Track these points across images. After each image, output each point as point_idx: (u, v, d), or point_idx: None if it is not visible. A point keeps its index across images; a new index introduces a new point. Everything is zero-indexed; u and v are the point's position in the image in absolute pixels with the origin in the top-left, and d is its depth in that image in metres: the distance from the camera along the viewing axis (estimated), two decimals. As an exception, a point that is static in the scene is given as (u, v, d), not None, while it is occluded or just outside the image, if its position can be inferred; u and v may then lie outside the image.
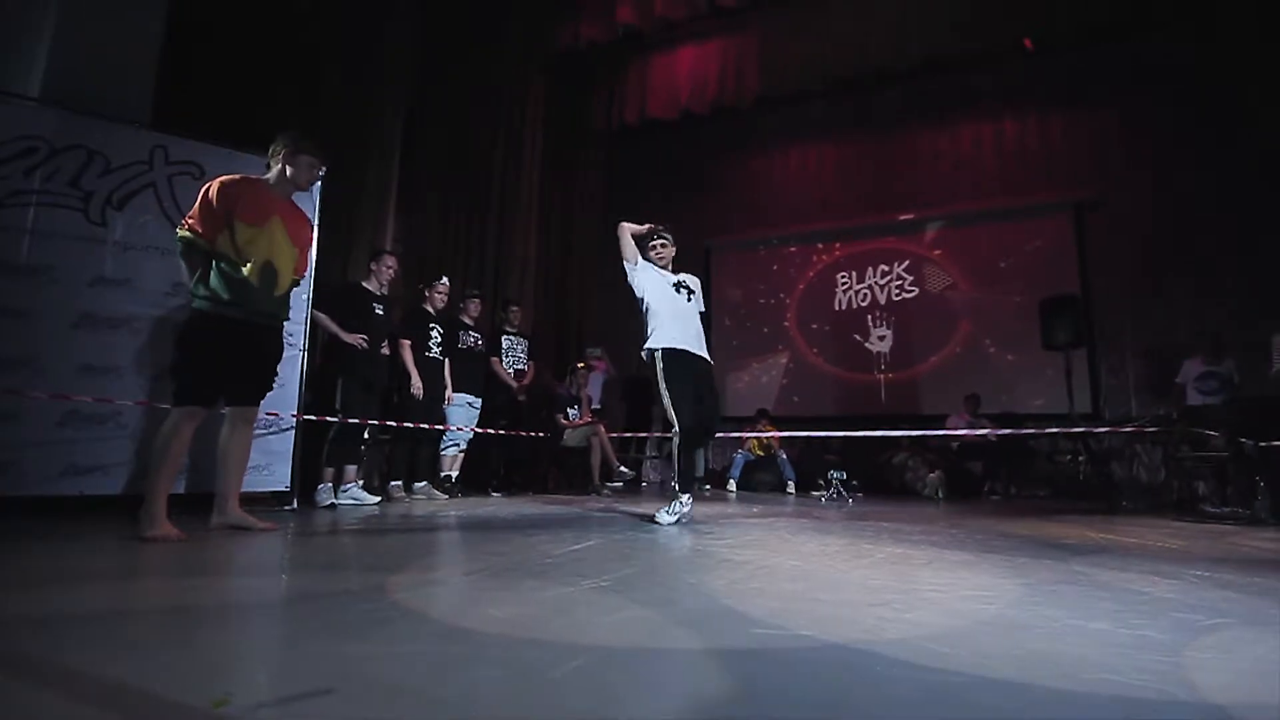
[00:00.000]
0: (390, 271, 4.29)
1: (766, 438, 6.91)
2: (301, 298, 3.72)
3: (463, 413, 4.93)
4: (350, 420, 3.91)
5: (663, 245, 3.60)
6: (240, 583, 1.81)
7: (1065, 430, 5.49)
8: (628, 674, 1.03)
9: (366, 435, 4.23)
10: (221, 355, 2.52)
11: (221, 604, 1.53)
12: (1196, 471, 4.72)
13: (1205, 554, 2.52)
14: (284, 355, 2.82)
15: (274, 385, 2.77)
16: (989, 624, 1.38)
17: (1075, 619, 1.43)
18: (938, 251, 7.85)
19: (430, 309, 4.80)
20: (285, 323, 2.80)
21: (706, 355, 3.45)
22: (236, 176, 2.60)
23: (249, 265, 2.53)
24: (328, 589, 1.65)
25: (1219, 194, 6.52)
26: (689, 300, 3.51)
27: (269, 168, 2.72)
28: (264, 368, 2.71)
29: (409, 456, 4.69)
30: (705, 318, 3.66)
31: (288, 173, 2.70)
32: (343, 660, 1.07)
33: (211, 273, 2.50)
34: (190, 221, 2.50)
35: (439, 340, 4.78)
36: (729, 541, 2.69)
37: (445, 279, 4.95)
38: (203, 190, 2.52)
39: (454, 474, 4.92)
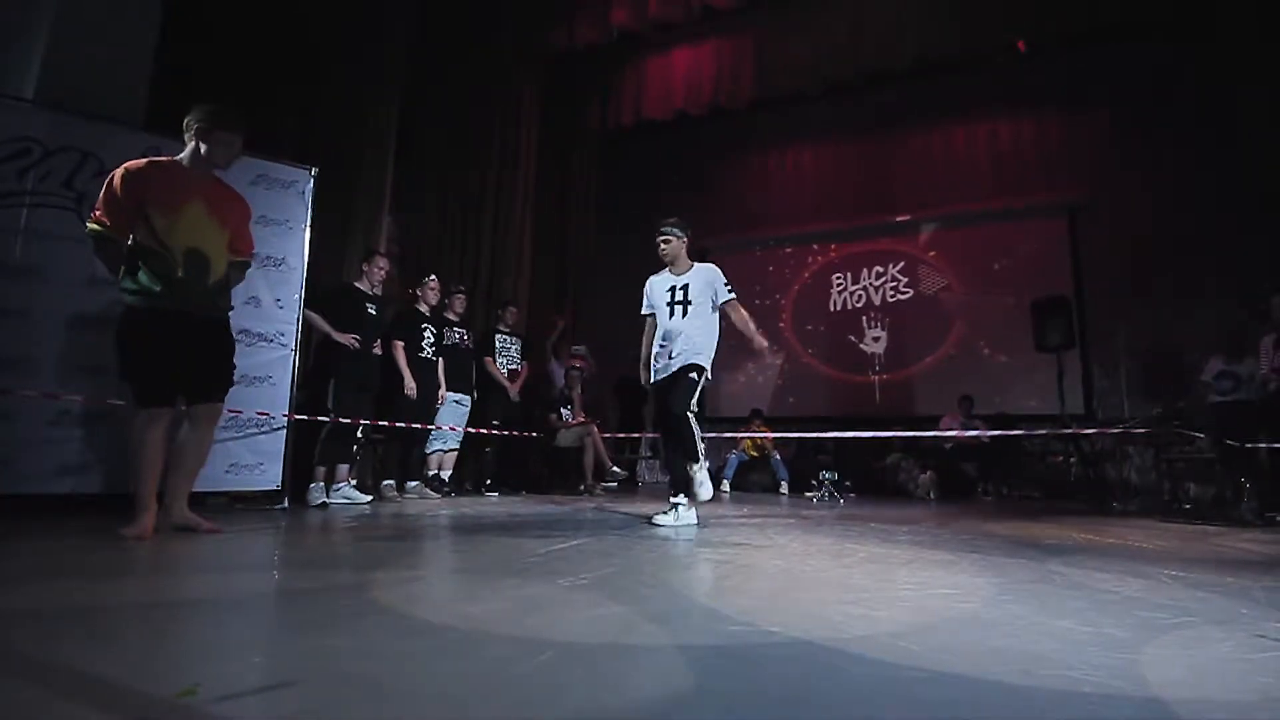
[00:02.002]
0: (382, 272, 4.31)
1: (760, 438, 6.93)
2: (294, 298, 3.75)
3: (449, 411, 4.92)
4: (342, 420, 3.93)
5: (664, 242, 3.38)
6: (223, 579, 1.84)
7: (1057, 431, 5.50)
8: (591, 670, 1.05)
9: (360, 435, 4.25)
10: (165, 351, 2.39)
11: (202, 600, 1.55)
12: (1185, 473, 4.75)
13: (1184, 554, 2.54)
14: (235, 346, 2.65)
15: (233, 380, 2.63)
16: (956, 621, 1.40)
17: (1041, 617, 1.45)
18: (932, 253, 7.87)
19: (424, 309, 4.82)
20: (230, 312, 2.64)
21: (683, 362, 3.24)
22: (143, 161, 2.41)
23: (173, 254, 2.37)
24: (310, 586, 1.68)
25: (1212, 196, 6.53)
26: (683, 313, 3.30)
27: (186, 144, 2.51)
28: (214, 362, 2.55)
29: (401, 456, 4.72)
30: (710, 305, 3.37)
31: (202, 150, 2.47)
32: (311, 654, 1.10)
33: (139, 267, 2.36)
34: (98, 214, 2.32)
35: (432, 340, 4.79)
36: (715, 541, 2.71)
37: (434, 276, 4.94)
38: (107, 179, 2.35)
39: (446, 473, 4.94)
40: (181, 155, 2.51)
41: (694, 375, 3.20)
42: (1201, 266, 6.51)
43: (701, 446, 3.20)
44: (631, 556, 2.23)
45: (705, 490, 3.19)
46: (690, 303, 3.31)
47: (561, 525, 3.15)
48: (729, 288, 3.34)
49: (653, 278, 3.48)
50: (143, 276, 2.36)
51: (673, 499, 3.23)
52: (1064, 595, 1.70)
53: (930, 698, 0.96)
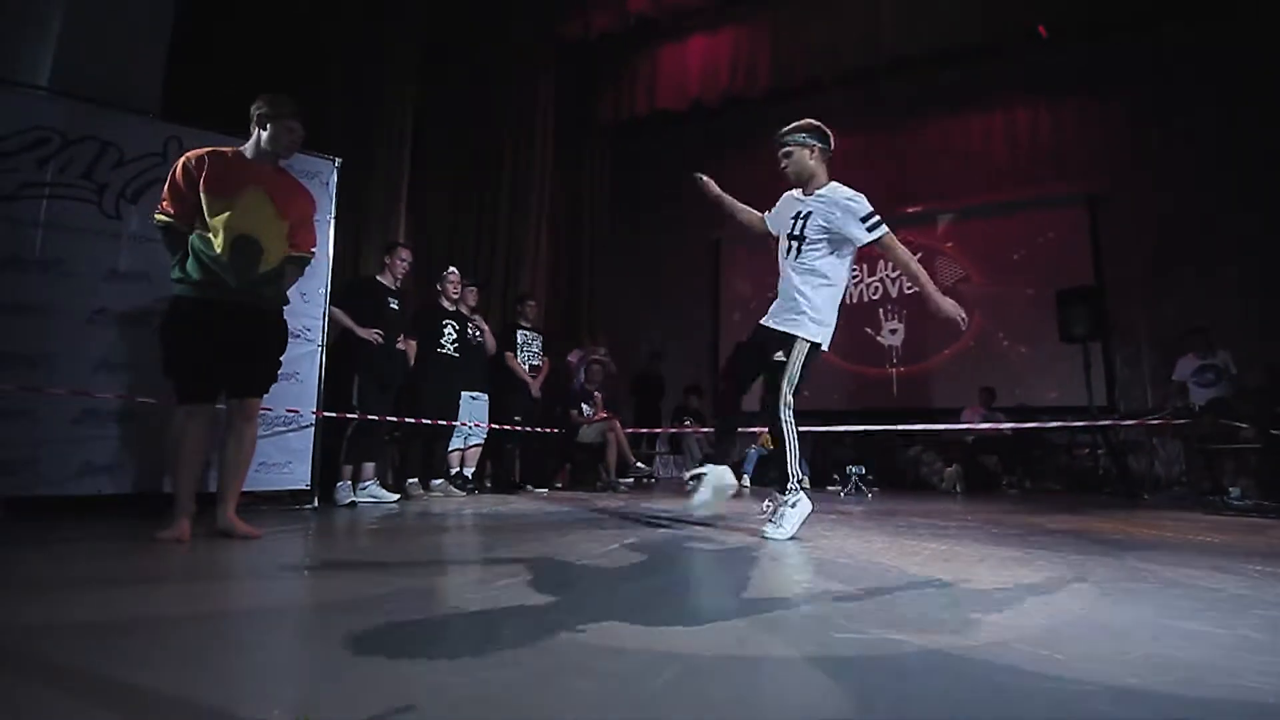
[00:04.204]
0: (404, 265, 4.21)
1: (780, 432, 6.84)
2: (319, 292, 3.64)
3: (466, 407, 4.78)
4: (369, 417, 3.84)
5: (784, 156, 2.59)
6: (282, 585, 1.75)
7: (1091, 423, 5.43)
8: (729, 685, 0.97)
9: (388, 434, 4.15)
10: (207, 343, 2.31)
11: (269, 608, 1.46)
12: (1221, 464, 4.68)
13: (1255, 548, 2.47)
14: (286, 342, 2.56)
15: (276, 375, 2.51)
16: (1080, 625, 1.32)
17: (1165, 619, 1.37)
18: (950, 244, 7.78)
19: (446, 304, 4.70)
20: (285, 306, 2.56)
21: (775, 326, 2.55)
22: (205, 150, 2.38)
23: (222, 240, 2.30)
24: (376, 592, 1.59)
25: (1233, 185, 6.46)
26: (794, 252, 2.54)
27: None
28: (255, 353, 2.44)
29: (425, 453, 4.62)
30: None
31: (264, 138, 2.43)
32: (416, 672, 1.01)
33: (188, 254, 2.31)
34: (164, 204, 2.32)
35: (454, 337, 4.66)
36: (769, 538, 2.63)
37: (453, 269, 4.83)
38: (171, 168, 2.35)
39: (469, 470, 4.85)
40: (244, 146, 2.46)
41: (780, 357, 2.47)
42: (1223, 255, 6.44)
43: (795, 457, 2.47)
44: (695, 557, 2.15)
45: (786, 524, 2.45)
46: (804, 239, 2.50)
47: (603, 524, 3.06)
48: (871, 221, 2.43)
49: (789, 193, 2.68)
50: (190, 264, 2.30)
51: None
52: (1169, 595, 1.61)
53: (1119, 716, 0.87)
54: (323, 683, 0.98)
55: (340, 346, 4.03)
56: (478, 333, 4.92)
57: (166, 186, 2.34)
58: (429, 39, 5.94)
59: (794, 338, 2.50)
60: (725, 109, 7.80)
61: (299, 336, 3.50)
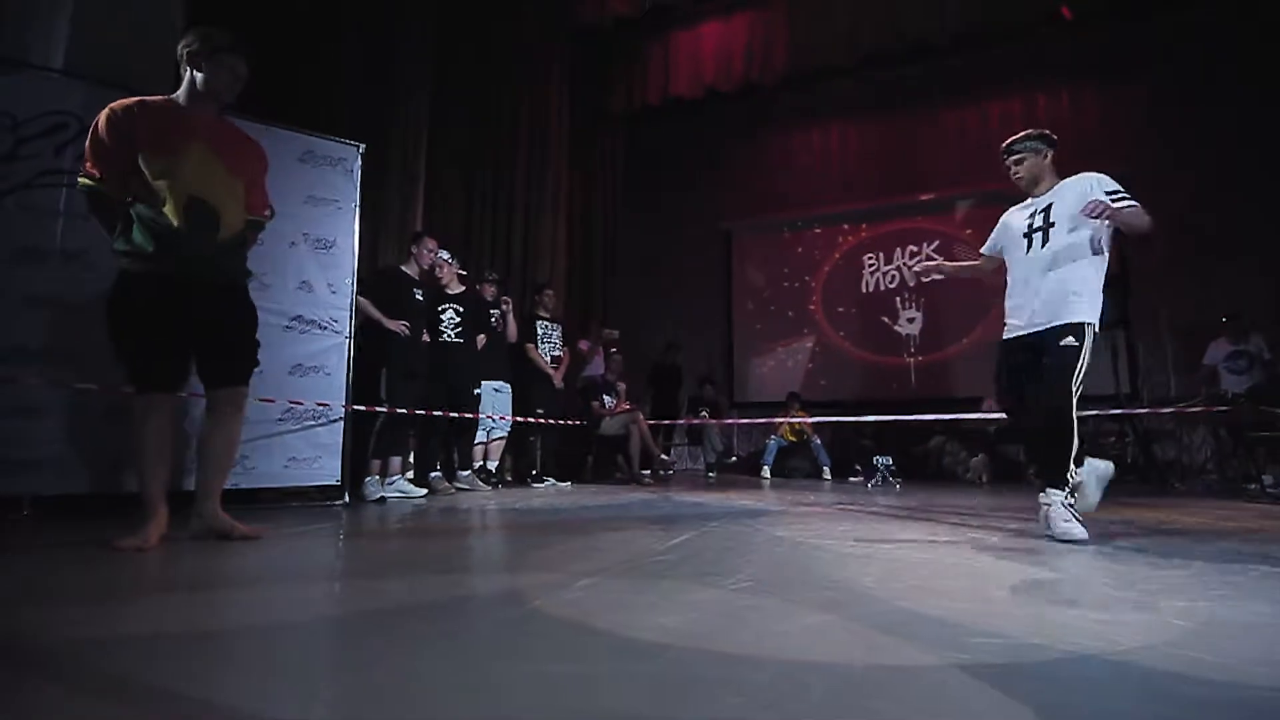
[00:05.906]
0: (431, 255, 4.11)
1: (799, 423, 6.77)
2: (345, 281, 3.54)
3: (489, 399, 4.68)
4: (399, 410, 3.74)
5: (1015, 164, 2.60)
6: (347, 589, 1.66)
7: (1127, 411, 5.35)
8: (895, 700, 0.88)
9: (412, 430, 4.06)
10: (161, 325, 2.02)
11: (351, 613, 1.37)
12: (1257, 452, 4.61)
13: (1330, 539, 2.39)
14: (257, 321, 2.26)
15: (256, 359, 2.23)
16: (1218, 624, 1.23)
17: (1300, 617, 1.29)
18: (969, 231, 7.66)
19: (451, 290, 4.50)
20: (249, 280, 2.25)
21: (1051, 319, 2.35)
22: (131, 100, 2.01)
23: (171, 205, 1.97)
24: (449, 594, 1.50)
25: (1256, 168, 6.38)
26: (1042, 242, 2.43)
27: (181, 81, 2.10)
28: (227, 337, 2.15)
29: (449, 447, 4.52)
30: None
31: (199, 81, 2.05)
32: (546, 684, 0.92)
33: (133, 222, 1.99)
34: (87, 165, 1.99)
35: (455, 321, 4.43)
36: (823, 532, 2.55)
37: (441, 251, 4.41)
38: (92, 124, 2.00)
39: (492, 464, 4.77)
40: (177, 93, 2.10)
41: (1072, 340, 2.29)
42: (1246, 240, 6.35)
43: (1076, 447, 2.30)
44: (762, 551, 2.06)
45: (1089, 496, 2.40)
46: (1053, 225, 2.41)
47: (649, 518, 2.98)
48: (1121, 193, 2.36)
49: (1010, 210, 2.68)
50: (136, 233, 1.99)
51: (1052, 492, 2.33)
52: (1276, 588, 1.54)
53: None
54: (443, 697, 0.88)
55: (365, 338, 3.93)
56: (498, 319, 4.79)
57: (89, 145, 1.99)
58: (442, 24, 5.80)
59: (1078, 325, 2.32)
60: (739, 96, 7.66)
61: (326, 328, 3.41)
